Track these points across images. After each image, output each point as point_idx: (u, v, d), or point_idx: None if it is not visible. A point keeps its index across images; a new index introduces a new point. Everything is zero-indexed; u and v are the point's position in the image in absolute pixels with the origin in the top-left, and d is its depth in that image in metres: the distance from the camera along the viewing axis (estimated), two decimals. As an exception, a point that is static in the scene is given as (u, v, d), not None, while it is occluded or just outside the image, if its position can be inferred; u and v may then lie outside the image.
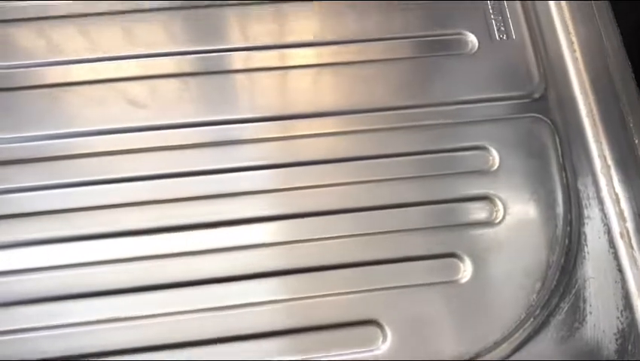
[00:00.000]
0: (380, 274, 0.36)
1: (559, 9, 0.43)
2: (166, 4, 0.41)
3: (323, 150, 0.38)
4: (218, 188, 0.36)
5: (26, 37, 0.39)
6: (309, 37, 0.41)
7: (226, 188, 0.37)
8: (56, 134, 0.37)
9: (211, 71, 0.39)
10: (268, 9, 0.41)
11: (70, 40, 0.39)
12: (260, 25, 0.41)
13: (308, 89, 0.40)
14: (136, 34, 0.40)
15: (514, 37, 0.42)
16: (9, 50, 0.39)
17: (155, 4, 0.41)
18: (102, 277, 0.34)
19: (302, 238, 0.36)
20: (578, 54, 0.42)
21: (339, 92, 0.40)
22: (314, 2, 0.41)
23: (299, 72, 0.40)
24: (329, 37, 0.41)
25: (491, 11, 0.42)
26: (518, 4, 0.43)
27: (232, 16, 0.41)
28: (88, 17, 0.40)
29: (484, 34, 0.42)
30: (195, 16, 0.41)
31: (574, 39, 0.42)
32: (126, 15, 0.40)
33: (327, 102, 0.39)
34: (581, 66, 0.42)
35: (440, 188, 0.38)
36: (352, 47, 0.41)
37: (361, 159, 0.38)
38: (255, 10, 0.41)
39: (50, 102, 0.38)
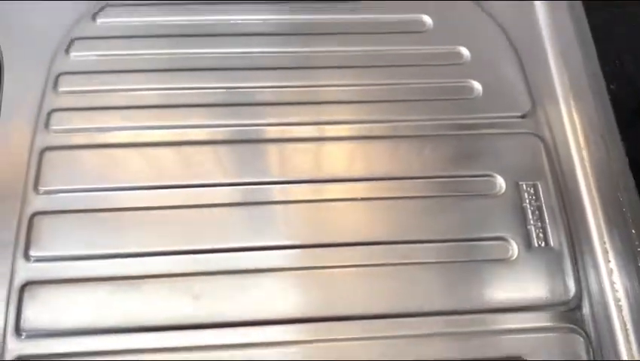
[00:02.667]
0: None
1: (597, 219, 0.46)
2: (224, 199, 0.45)
3: (357, 354, 0.41)
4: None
5: (96, 230, 0.43)
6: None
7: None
8: (115, 328, 0.40)
9: (265, 268, 0.43)
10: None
11: (138, 235, 0.43)
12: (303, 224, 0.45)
13: (350, 293, 0.42)
14: (192, 231, 0.43)
15: (552, 244, 0.44)
16: (82, 241, 0.43)
17: (217, 200, 0.45)
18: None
19: None
20: (613, 265, 0.44)
21: (373, 296, 0.42)
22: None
23: (340, 272, 0.43)
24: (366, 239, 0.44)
25: (530, 217, 0.45)
26: (557, 210, 0.45)
27: (280, 214, 0.45)
28: (158, 210, 0.44)
29: (524, 241, 0.44)
30: (249, 212, 0.45)
31: (607, 246, 0.45)
32: (184, 209, 0.44)
33: (363, 305, 0.42)
34: (616, 279, 0.44)
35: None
36: (386, 247, 0.44)
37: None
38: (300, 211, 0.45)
39: (114, 296, 0.41)
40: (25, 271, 0.41)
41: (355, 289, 0.43)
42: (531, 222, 0.45)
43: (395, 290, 0.42)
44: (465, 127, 0.49)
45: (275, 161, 0.47)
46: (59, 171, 0.45)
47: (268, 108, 0.48)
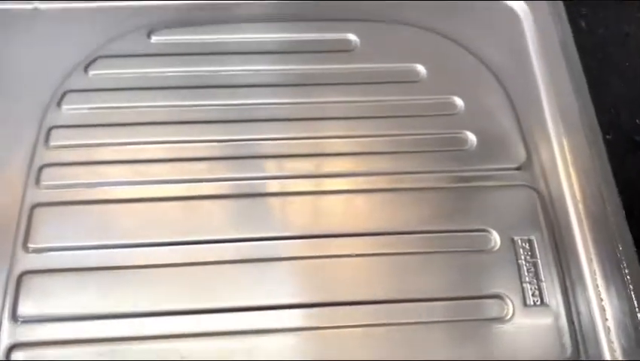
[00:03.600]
0: None
1: (593, 276, 0.45)
2: (219, 257, 0.44)
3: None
4: None
5: (87, 290, 0.43)
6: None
7: None
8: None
9: (260, 329, 0.42)
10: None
11: (130, 294, 0.42)
12: (301, 282, 0.44)
13: (350, 355, 0.42)
14: (186, 291, 0.43)
15: (548, 302, 0.44)
16: (73, 302, 0.42)
17: (211, 258, 0.44)
18: None
19: None
20: (610, 323, 0.43)
21: (373, 358, 0.42)
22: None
23: (339, 333, 0.42)
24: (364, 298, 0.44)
25: (526, 274, 0.45)
26: (553, 267, 0.45)
27: (276, 272, 0.44)
28: (151, 268, 0.44)
29: (519, 299, 0.43)
30: (244, 271, 0.44)
31: (605, 304, 0.44)
32: (178, 268, 0.44)
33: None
34: (614, 339, 0.43)
35: None
36: (382, 306, 0.43)
37: None
38: (298, 269, 0.44)
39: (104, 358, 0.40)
40: (13, 332, 0.41)
41: (354, 350, 0.42)
42: (527, 279, 0.44)
43: (393, 351, 0.42)
44: (460, 179, 0.48)
45: (274, 216, 0.46)
46: (50, 228, 0.44)
47: (267, 161, 0.48)
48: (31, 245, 0.44)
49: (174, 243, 0.44)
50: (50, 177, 0.46)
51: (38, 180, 0.46)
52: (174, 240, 0.44)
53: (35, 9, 0.52)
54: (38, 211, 0.45)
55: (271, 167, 0.48)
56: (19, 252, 0.43)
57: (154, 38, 0.52)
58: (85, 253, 0.43)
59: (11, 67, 0.50)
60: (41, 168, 0.46)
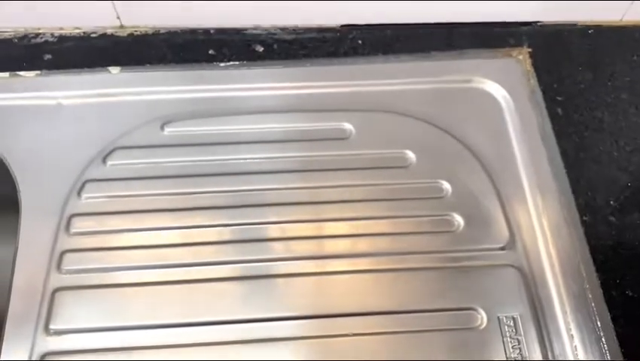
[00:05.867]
0: None
1: (575, 354, 0.48)
2: (228, 338, 0.48)
3: None
4: None
5: None
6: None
7: None
8: None
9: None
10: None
11: None
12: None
13: None
14: None
15: (535, 382, 0.47)
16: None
17: (220, 338, 0.48)
18: None
19: None
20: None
21: None
22: None
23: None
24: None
25: (511, 351, 0.48)
26: (536, 344, 0.48)
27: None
28: (169, 349, 0.47)
29: (507, 376, 0.47)
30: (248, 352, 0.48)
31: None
32: (195, 348, 0.47)
33: None
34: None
35: None
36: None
37: None
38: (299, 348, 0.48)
39: None
40: (35, 414, 0.44)
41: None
42: (512, 356, 0.48)
43: None
44: (449, 260, 0.52)
45: (280, 297, 0.49)
46: (70, 312, 0.48)
47: (273, 244, 0.52)
48: (52, 327, 0.47)
49: (185, 324, 0.48)
50: (70, 262, 0.50)
51: (59, 266, 0.50)
52: (185, 321, 0.48)
53: (59, 104, 0.57)
54: (59, 295, 0.48)
55: (277, 249, 0.52)
56: (41, 335, 0.47)
57: (167, 130, 0.57)
58: (103, 335, 0.47)
59: (36, 158, 0.55)
60: (62, 254, 0.50)
